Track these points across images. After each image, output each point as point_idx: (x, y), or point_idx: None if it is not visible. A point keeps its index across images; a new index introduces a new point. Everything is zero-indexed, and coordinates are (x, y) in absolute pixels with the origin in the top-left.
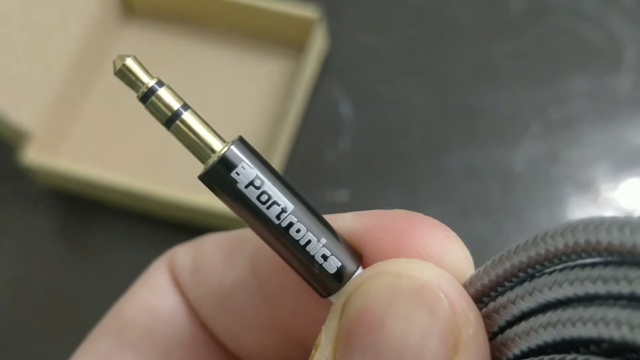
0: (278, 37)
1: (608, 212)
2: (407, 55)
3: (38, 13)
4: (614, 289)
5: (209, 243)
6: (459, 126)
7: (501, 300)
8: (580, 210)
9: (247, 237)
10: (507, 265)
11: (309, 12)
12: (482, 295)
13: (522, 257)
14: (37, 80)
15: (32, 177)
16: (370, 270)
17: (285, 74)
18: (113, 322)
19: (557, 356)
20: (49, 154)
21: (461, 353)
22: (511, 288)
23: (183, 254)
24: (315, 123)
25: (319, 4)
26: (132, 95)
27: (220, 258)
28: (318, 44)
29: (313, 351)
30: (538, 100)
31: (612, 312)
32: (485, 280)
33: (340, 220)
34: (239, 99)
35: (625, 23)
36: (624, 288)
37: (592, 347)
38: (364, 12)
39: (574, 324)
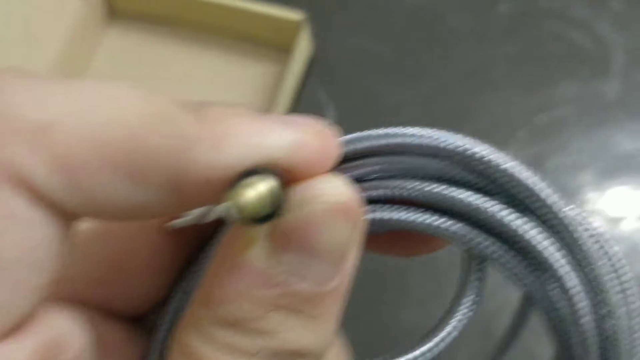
0: (263, 40)
1: (595, 219)
2: (394, 59)
3: (20, 15)
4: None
5: (77, 151)
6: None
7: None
8: None
9: (146, 152)
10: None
11: (294, 15)
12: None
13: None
14: None
15: None
16: (305, 190)
17: (270, 77)
18: None
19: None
20: None
21: (358, 233)
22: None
23: (30, 160)
24: None
25: (306, 7)
26: None
27: (117, 176)
28: (303, 47)
29: (247, 241)
30: (526, 105)
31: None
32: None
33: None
34: (223, 102)
35: (614, 28)
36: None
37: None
38: (351, 15)
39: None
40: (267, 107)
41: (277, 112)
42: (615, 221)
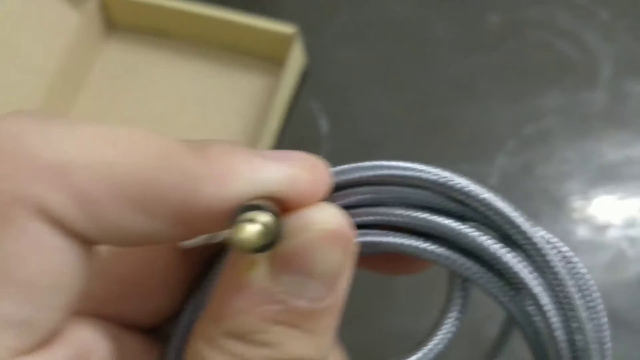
0: (256, 52)
1: (581, 227)
2: (384, 70)
3: (20, 28)
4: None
5: (92, 188)
6: (434, 141)
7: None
8: (554, 224)
9: (156, 188)
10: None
11: (287, 28)
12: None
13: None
14: (20, 95)
15: None
16: (300, 219)
17: (264, 89)
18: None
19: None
20: None
21: (349, 255)
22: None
23: (53, 196)
24: (293, 138)
25: (298, 19)
26: (115, 109)
27: (129, 210)
28: (296, 59)
29: (249, 263)
30: (514, 115)
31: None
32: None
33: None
34: (218, 113)
35: (601, 38)
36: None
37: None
38: (342, 27)
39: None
40: (260, 119)
41: (270, 123)
42: (602, 229)
